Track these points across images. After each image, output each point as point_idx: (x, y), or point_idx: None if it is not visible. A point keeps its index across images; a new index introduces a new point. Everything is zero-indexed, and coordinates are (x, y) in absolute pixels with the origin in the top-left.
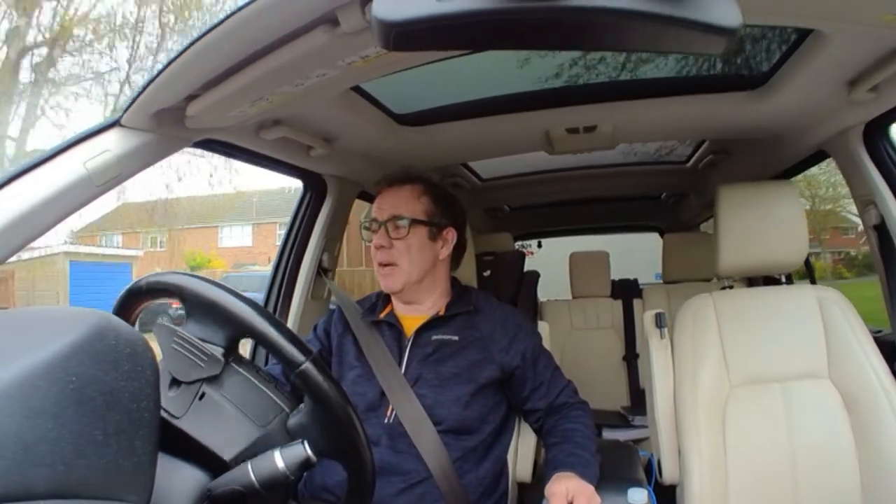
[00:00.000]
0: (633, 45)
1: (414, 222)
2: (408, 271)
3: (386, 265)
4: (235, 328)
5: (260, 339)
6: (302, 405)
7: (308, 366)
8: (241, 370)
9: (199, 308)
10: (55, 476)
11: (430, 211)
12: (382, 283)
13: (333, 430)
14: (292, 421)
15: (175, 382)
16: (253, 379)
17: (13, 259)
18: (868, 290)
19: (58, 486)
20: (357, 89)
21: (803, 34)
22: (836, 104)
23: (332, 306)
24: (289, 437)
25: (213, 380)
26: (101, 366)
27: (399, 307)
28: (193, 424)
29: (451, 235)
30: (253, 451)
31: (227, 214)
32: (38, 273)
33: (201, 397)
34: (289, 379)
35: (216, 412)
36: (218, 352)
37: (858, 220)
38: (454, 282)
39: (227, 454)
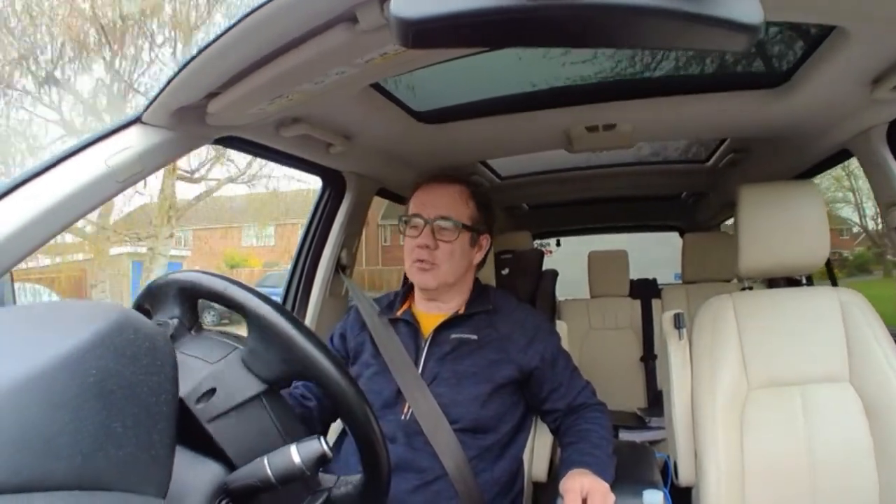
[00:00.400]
0: (654, 42)
1: (462, 227)
2: (445, 273)
3: (423, 261)
4: (185, 294)
5: (203, 294)
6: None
7: (233, 289)
8: (200, 335)
9: (162, 294)
10: (74, 468)
11: (475, 217)
12: (416, 278)
13: (280, 346)
14: (244, 352)
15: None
16: (211, 336)
17: (86, 257)
18: (860, 288)
19: (76, 477)
20: (376, 87)
21: (825, 31)
22: (859, 103)
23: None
24: (245, 368)
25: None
26: (120, 360)
27: (420, 304)
28: None
29: (486, 242)
30: (206, 385)
31: (253, 214)
32: (106, 272)
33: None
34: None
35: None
36: (174, 322)
37: (854, 222)
38: (475, 281)
39: (180, 391)
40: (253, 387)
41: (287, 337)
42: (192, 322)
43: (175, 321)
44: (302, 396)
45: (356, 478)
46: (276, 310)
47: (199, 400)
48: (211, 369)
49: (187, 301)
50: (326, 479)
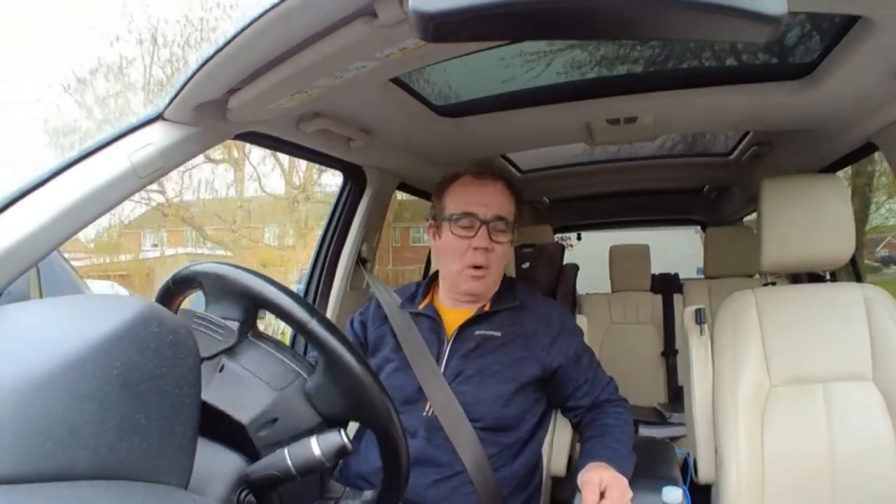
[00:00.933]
0: (676, 33)
1: (513, 228)
2: (496, 279)
3: (479, 267)
4: (247, 299)
5: (269, 306)
6: (317, 368)
7: (315, 325)
8: (259, 342)
9: (216, 288)
10: (98, 458)
11: (516, 215)
12: (467, 286)
13: (348, 388)
14: (309, 384)
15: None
16: (270, 349)
17: (154, 255)
18: None
19: (100, 467)
20: (396, 81)
21: (850, 22)
22: (885, 95)
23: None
24: (307, 400)
25: (231, 353)
26: (144, 352)
27: (445, 300)
28: (214, 395)
29: (515, 238)
30: (270, 414)
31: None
32: (169, 270)
33: (221, 370)
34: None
35: (235, 381)
36: (234, 325)
37: None
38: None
39: (244, 417)
40: (311, 420)
41: (360, 386)
42: (250, 328)
43: (235, 325)
44: None
45: (368, 493)
46: (355, 357)
47: (261, 428)
48: (275, 398)
49: (253, 309)
50: (336, 487)
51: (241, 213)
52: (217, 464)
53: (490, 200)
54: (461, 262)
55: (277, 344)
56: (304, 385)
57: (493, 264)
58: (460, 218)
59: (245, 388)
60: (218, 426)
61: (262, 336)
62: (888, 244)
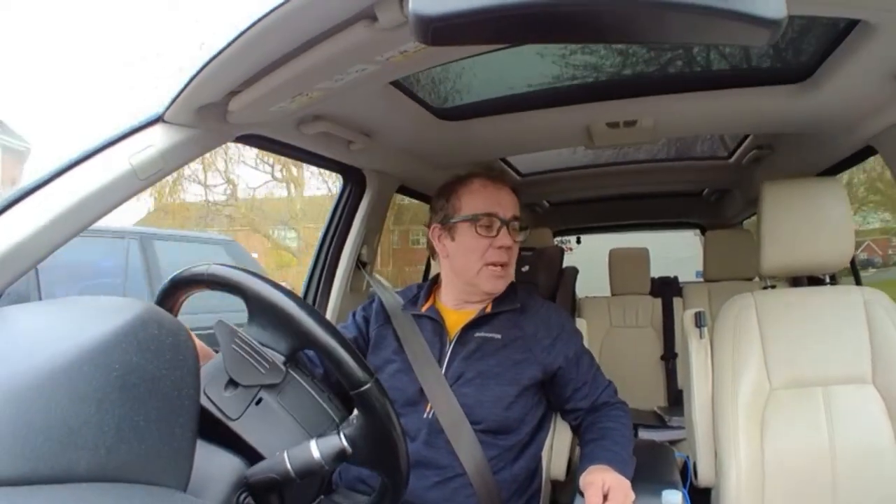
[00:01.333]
0: (676, 37)
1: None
2: (511, 275)
3: (500, 265)
4: (299, 339)
5: (325, 354)
6: (353, 417)
7: (371, 387)
8: (298, 378)
9: (262, 312)
10: (97, 459)
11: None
12: (491, 285)
13: (381, 448)
14: (344, 433)
15: (232, 383)
16: (310, 389)
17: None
18: None
19: (99, 469)
20: (397, 84)
21: (849, 25)
22: (884, 98)
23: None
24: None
25: (271, 387)
26: (143, 354)
27: (448, 302)
28: (248, 428)
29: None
30: (309, 467)
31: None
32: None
33: (258, 402)
34: (339, 389)
35: (271, 419)
36: (279, 360)
37: None
38: None
39: None
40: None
41: (395, 453)
42: (294, 363)
43: (281, 361)
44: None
45: (362, 500)
46: (401, 428)
47: (302, 476)
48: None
49: (302, 348)
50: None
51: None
52: (216, 466)
53: (507, 201)
54: (482, 261)
55: (314, 380)
56: (337, 430)
57: (510, 264)
58: (482, 218)
59: (282, 428)
60: (248, 456)
61: (300, 368)
62: (867, 248)
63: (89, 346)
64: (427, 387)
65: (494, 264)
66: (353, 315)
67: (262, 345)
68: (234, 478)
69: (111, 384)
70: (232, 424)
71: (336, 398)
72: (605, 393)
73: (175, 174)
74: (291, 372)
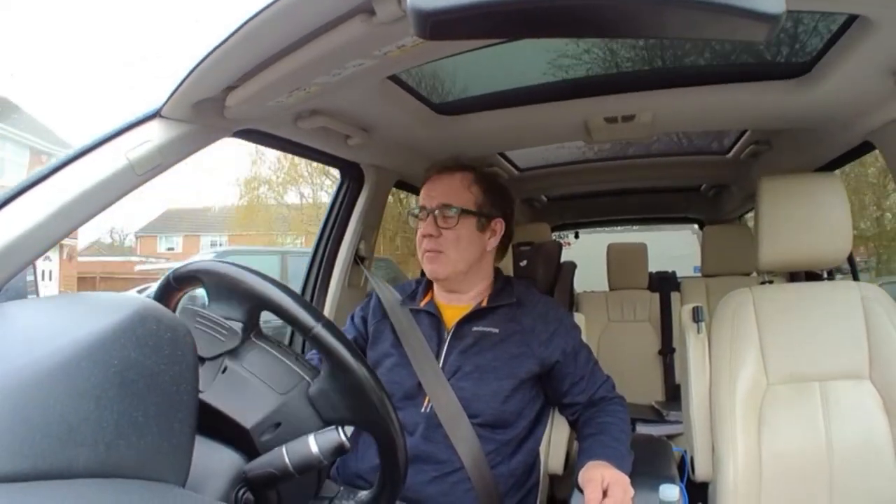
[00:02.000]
0: (674, 31)
1: (463, 212)
2: (455, 261)
3: (432, 251)
4: (250, 301)
5: (274, 309)
6: (323, 373)
7: (320, 329)
8: (261, 343)
9: (219, 288)
10: (96, 456)
11: (480, 201)
12: (428, 268)
13: (352, 393)
14: (313, 388)
15: (200, 360)
16: (273, 351)
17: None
18: None
19: (98, 465)
20: (394, 79)
21: (849, 20)
22: (883, 94)
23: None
24: (310, 405)
25: (234, 354)
26: (142, 350)
27: (441, 296)
28: (216, 396)
29: (499, 227)
30: (273, 419)
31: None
32: None
33: (224, 371)
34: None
35: (238, 383)
36: (237, 326)
37: None
38: (497, 272)
39: (248, 421)
40: (314, 424)
41: (364, 391)
42: (253, 328)
43: (238, 326)
44: None
45: (363, 494)
46: (360, 362)
47: (264, 433)
48: (279, 402)
49: (256, 310)
50: (331, 487)
51: None
52: (215, 461)
53: (438, 189)
54: (420, 250)
55: (280, 345)
56: (308, 389)
57: (445, 248)
58: (417, 211)
59: (248, 391)
60: (219, 427)
61: (264, 337)
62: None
63: (88, 342)
64: (425, 381)
65: (427, 250)
66: (352, 318)
67: (226, 318)
68: (232, 473)
69: (110, 380)
70: (201, 396)
71: (305, 359)
72: (602, 387)
73: None
74: (255, 339)
